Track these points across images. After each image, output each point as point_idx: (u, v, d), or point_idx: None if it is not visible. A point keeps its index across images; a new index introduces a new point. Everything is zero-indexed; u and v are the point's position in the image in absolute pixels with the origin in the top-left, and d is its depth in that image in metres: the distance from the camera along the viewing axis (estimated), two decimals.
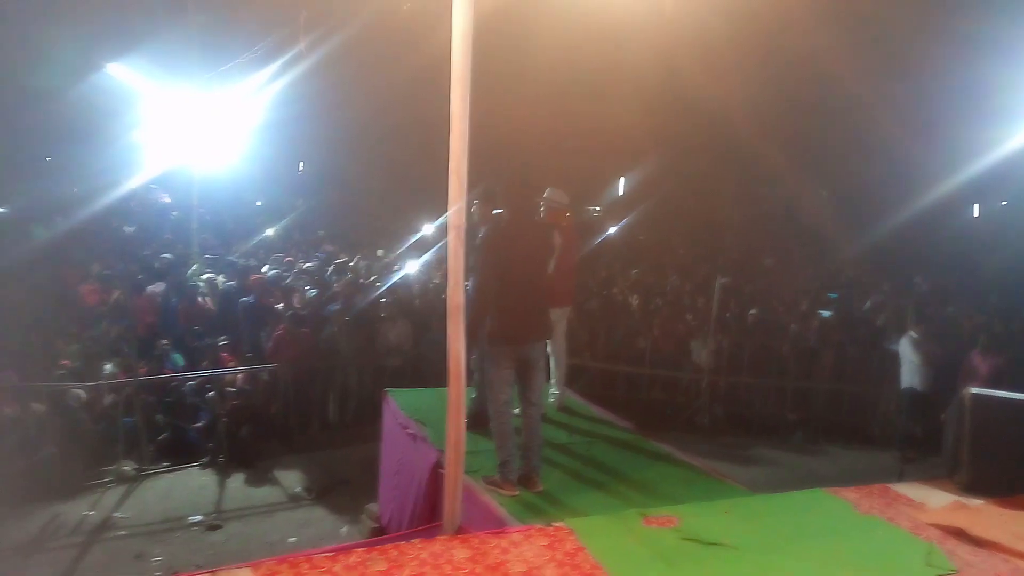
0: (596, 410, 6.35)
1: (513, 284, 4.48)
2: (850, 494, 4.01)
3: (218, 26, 11.95)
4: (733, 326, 10.59)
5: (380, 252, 13.59)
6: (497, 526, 3.89)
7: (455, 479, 3.38)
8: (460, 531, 3.47)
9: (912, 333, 8.29)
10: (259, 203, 19.93)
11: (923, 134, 13.94)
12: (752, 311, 11.01)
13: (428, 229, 14.51)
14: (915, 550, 3.37)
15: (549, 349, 6.23)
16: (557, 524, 3.47)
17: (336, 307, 8.85)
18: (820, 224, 15.68)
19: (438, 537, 3.34)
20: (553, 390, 6.25)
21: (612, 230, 19.01)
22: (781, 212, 18.82)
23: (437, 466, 4.95)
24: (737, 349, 10.24)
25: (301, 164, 25.21)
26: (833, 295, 12.31)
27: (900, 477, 6.42)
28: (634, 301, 11.27)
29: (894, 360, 8.66)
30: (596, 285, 12.01)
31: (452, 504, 3.37)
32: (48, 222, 14.82)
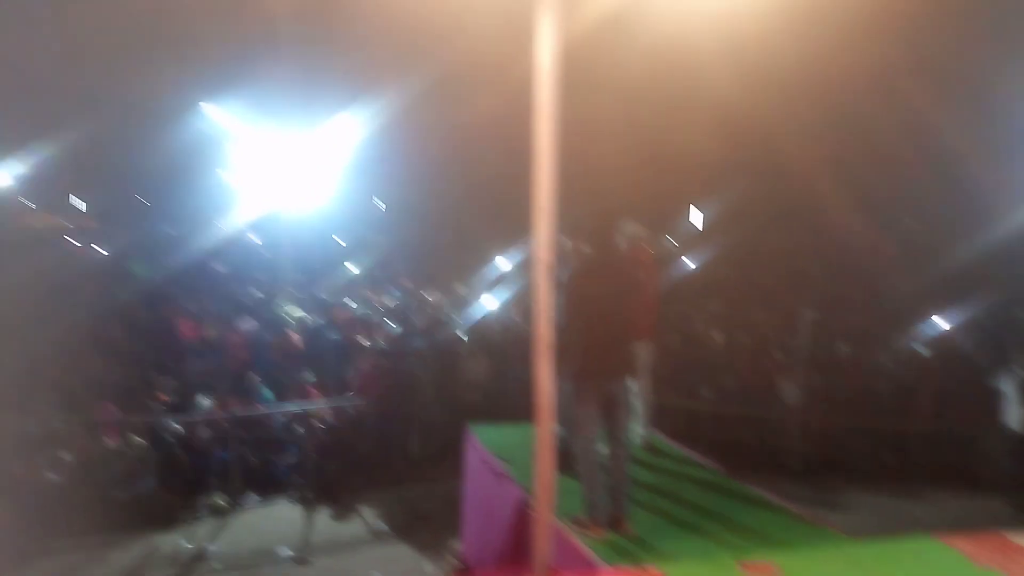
0: (683, 450, 6.19)
1: (598, 320, 4.50)
2: (962, 543, 3.75)
3: (309, 71, 12.49)
4: (823, 363, 10.18)
5: (459, 288, 13.76)
6: (586, 568, 3.82)
7: (545, 519, 3.33)
8: (550, 573, 3.41)
9: (1016, 369, 7.80)
10: (343, 242, 20.54)
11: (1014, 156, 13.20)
12: (843, 347, 10.57)
13: (506, 265, 14.62)
14: None
15: (634, 387, 6.14)
16: (649, 568, 3.38)
17: (418, 342, 8.98)
18: (912, 255, 14.96)
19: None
20: (639, 429, 6.13)
21: (690, 263, 18.68)
22: (871, 242, 18.07)
23: (523, 505, 4.92)
24: (828, 387, 9.83)
25: (382, 203, 25.92)
26: (929, 329, 11.69)
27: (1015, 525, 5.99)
28: (717, 337, 10.99)
29: (998, 398, 8.15)
30: (676, 320, 11.79)
31: (542, 545, 3.32)
32: (147, 261, 15.65)
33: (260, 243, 17.43)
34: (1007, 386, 7.82)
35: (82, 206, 33.57)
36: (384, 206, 25.38)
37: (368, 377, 8.75)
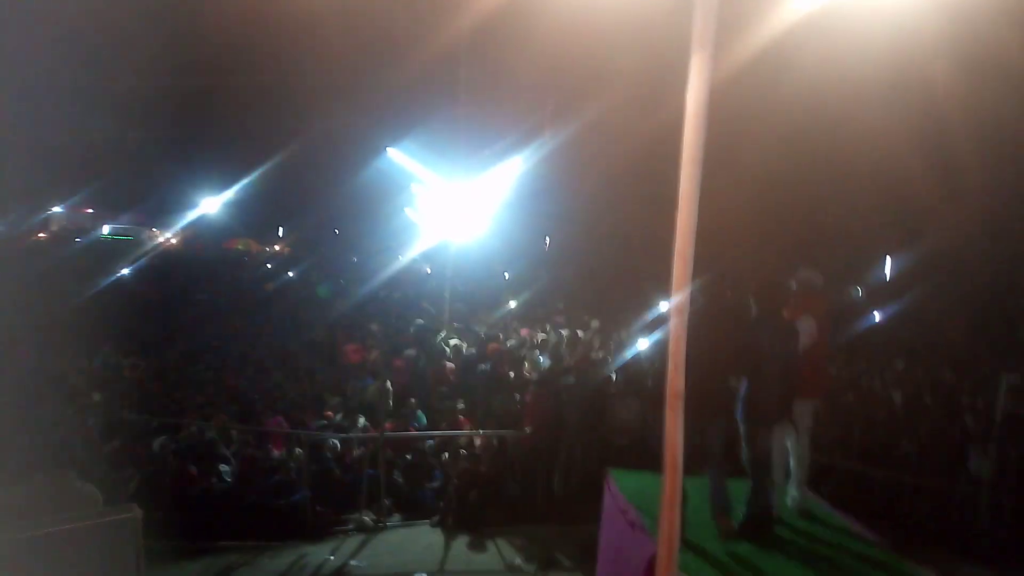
0: (843, 518, 5.62)
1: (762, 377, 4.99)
2: None
3: (481, 116, 13.05)
4: (1020, 432, 8.93)
5: (615, 327, 13.54)
6: None
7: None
8: None
9: None
10: (507, 275, 21.04)
11: None
12: None
13: (664, 307, 14.24)
14: None
15: (790, 444, 5.70)
16: None
17: (568, 380, 8.90)
18: None
19: None
20: (793, 491, 5.66)
21: (877, 315, 17.24)
22: None
23: (654, 559, 4.67)
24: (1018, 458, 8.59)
25: (547, 239, 26.33)
26: None
27: None
28: (897, 397, 9.99)
29: None
30: (854, 376, 10.87)
31: None
32: (331, 286, 16.83)
33: (430, 272, 18.24)
34: None
35: (280, 233, 36.98)
36: (548, 242, 25.79)
37: (532, 409, 8.79)
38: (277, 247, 35.47)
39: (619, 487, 5.90)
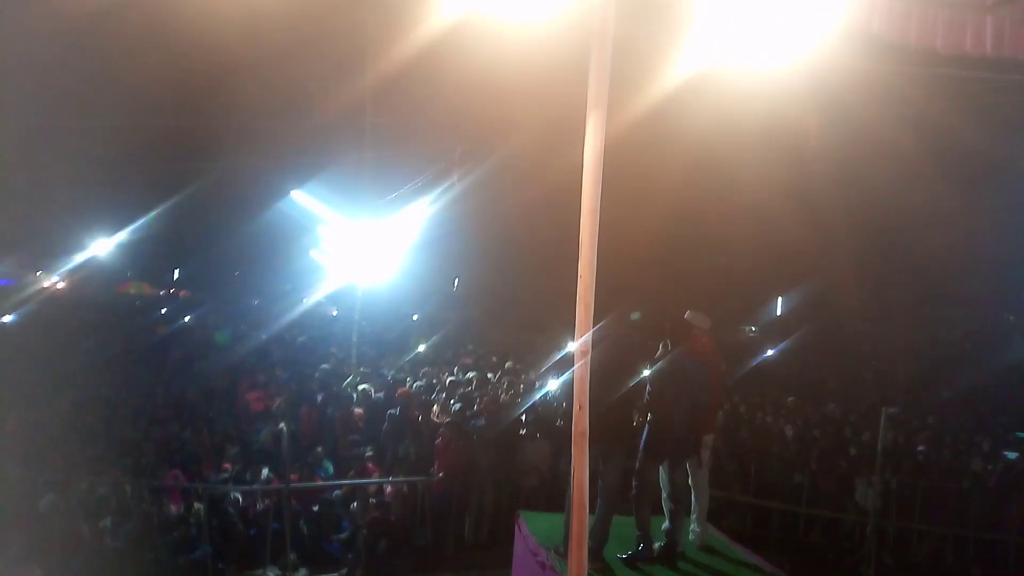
0: (742, 552, 5.88)
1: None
2: None
3: (388, 159, 13.13)
4: (903, 464, 9.60)
5: (508, 364, 13.70)
6: None
7: None
8: None
9: None
10: (416, 317, 20.96)
11: None
12: (922, 448, 9.99)
13: (572, 347, 14.54)
14: None
15: (691, 481, 5.95)
16: None
17: (480, 422, 8.96)
18: (1005, 353, 14.17)
19: None
20: (694, 527, 5.89)
21: (769, 352, 18.13)
22: (959, 339, 17.22)
23: None
24: (908, 490, 9.21)
25: (456, 280, 26.44)
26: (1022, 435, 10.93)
27: None
28: (788, 431, 10.54)
29: None
30: (748, 411, 11.40)
31: None
32: (230, 331, 16.29)
33: (336, 314, 17.97)
34: None
35: (175, 276, 35.53)
36: (456, 283, 25.90)
37: (443, 452, 8.75)
38: (172, 290, 34.07)
39: (529, 529, 5.98)
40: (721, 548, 5.89)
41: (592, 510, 5.55)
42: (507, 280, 19.56)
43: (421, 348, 15.14)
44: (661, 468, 5.61)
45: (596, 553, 5.35)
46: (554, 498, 8.65)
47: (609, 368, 5.37)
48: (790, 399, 12.55)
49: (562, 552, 5.40)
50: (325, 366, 12.46)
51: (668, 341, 5.67)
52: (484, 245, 18.38)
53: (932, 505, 9.09)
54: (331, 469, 9.62)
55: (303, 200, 15.99)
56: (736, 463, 9.79)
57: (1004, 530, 8.72)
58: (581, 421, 3.28)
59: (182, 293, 33.20)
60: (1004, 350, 14.94)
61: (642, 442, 5.53)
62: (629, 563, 5.41)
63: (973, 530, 8.78)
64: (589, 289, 3.25)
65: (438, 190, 12.60)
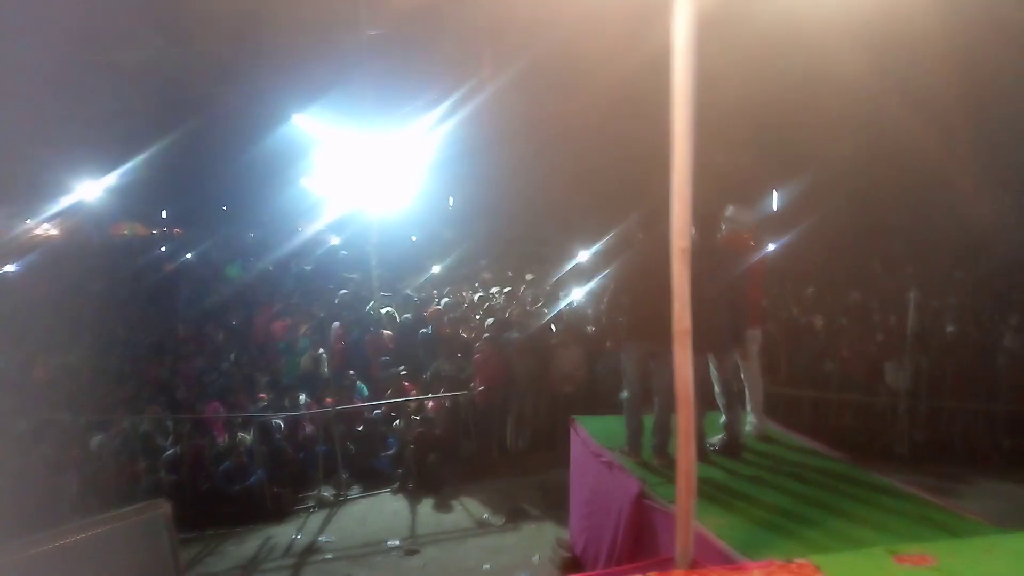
0: (801, 440, 5.98)
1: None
2: None
3: (395, 74, 12.65)
4: (931, 345, 9.71)
5: (529, 276, 13.69)
6: (723, 560, 3.70)
7: (687, 511, 3.23)
8: (694, 565, 3.30)
9: None
10: (414, 238, 20.77)
11: None
12: (950, 328, 10.10)
13: (584, 255, 14.50)
14: None
15: (743, 374, 5.99)
16: (799, 560, 3.23)
17: (514, 335, 8.97)
18: (1013, 230, 14.11)
19: (674, 572, 3.20)
20: (751, 418, 5.97)
21: (771, 246, 18.01)
22: (967, 220, 17.17)
23: (641, 496, 4.84)
24: (937, 370, 9.37)
25: (451, 199, 26.11)
26: None
27: None
28: (818, 322, 10.60)
29: None
30: (771, 305, 11.44)
31: (685, 538, 3.22)
32: (239, 265, 16.11)
33: (339, 243, 17.77)
34: None
35: (164, 215, 34.92)
36: (451, 201, 25.58)
37: (483, 366, 8.81)
38: (166, 229, 33.62)
39: (588, 431, 6.05)
40: (780, 437, 5.98)
41: (651, 409, 5.66)
42: (513, 193, 19.27)
43: (435, 269, 15.06)
44: (710, 363, 5.62)
45: (661, 449, 5.44)
46: (591, 403, 8.79)
47: (656, 263, 5.36)
48: (810, 290, 12.61)
49: (627, 451, 5.50)
50: (344, 291, 12.39)
51: (697, 233, 5.60)
52: (493, 157, 17.97)
53: (962, 383, 9.27)
54: (365, 391, 9.70)
55: (303, 123, 15.47)
56: (767, 356, 9.87)
57: None
58: (683, 319, 3.20)
59: (175, 231, 32.77)
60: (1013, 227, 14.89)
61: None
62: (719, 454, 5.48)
63: (1003, 404, 8.98)
64: (685, 182, 3.11)
65: (442, 103, 12.21)
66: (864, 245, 17.16)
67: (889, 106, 14.02)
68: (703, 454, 5.32)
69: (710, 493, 4.84)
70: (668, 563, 3.45)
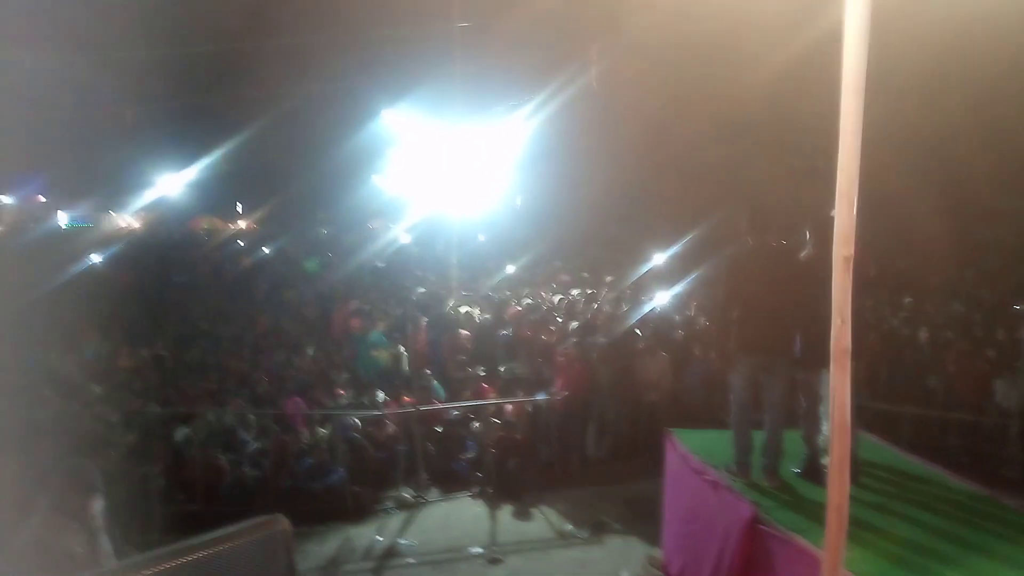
0: (909, 458, 5.58)
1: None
2: None
3: (478, 70, 12.51)
4: None
5: (608, 279, 13.36)
6: None
7: (836, 550, 2.92)
8: None
9: None
10: (482, 237, 20.61)
11: None
12: None
13: (663, 257, 14.10)
14: None
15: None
16: None
17: (597, 339, 8.71)
18: None
19: None
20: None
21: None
22: None
23: (754, 521, 4.52)
24: None
25: (519, 198, 25.84)
26: None
27: None
28: (922, 334, 10.00)
29: None
30: (870, 315, 10.87)
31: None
32: (320, 259, 16.23)
33: (411, 241, 17.77)
34: None
35: (241, 208, 35.74)
36: (519, 200, 25.29)
37: (566, 370, 8.59)
38: (243, 224, 34.41)
39: (688, 447, 5.74)
40: (888, 458, 5.58)
41: (758, 426, 5.31)
42: (600, 193, 18.86)
43: (510, 269, 14.88)
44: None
45: (772, 470, 5.10)
46: (677, 412, 8.45)
47: (772, 270, 5.04)
48: (908, 300, 11.94)
49: (735, 470, 5.16)
50: (422, 289, 12.32)
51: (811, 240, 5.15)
52: (571, 157, 17.65)
53: None
54: (442, 392, 9.57)
55: (386, 119, 15.43)
56: (864, 368, 9.35)
57: None
58: (843, 337, 2.88)
59: (251, 226, 33.49)
60: None
61: (798, 352, 5.17)
62: (805, 477, 5.13)
63: None
64: (852, 183, 2.79)
65: (528, 101, 12.02)
66: (958, 254, 16.24)
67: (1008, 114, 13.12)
68: (815, 474, 4.98)
69: (818, 516, 4.50)
70: None
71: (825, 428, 5.12)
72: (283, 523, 2.59)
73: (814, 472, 5.05)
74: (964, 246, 16.06)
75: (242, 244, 24.38)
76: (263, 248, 21.56)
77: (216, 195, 32.76)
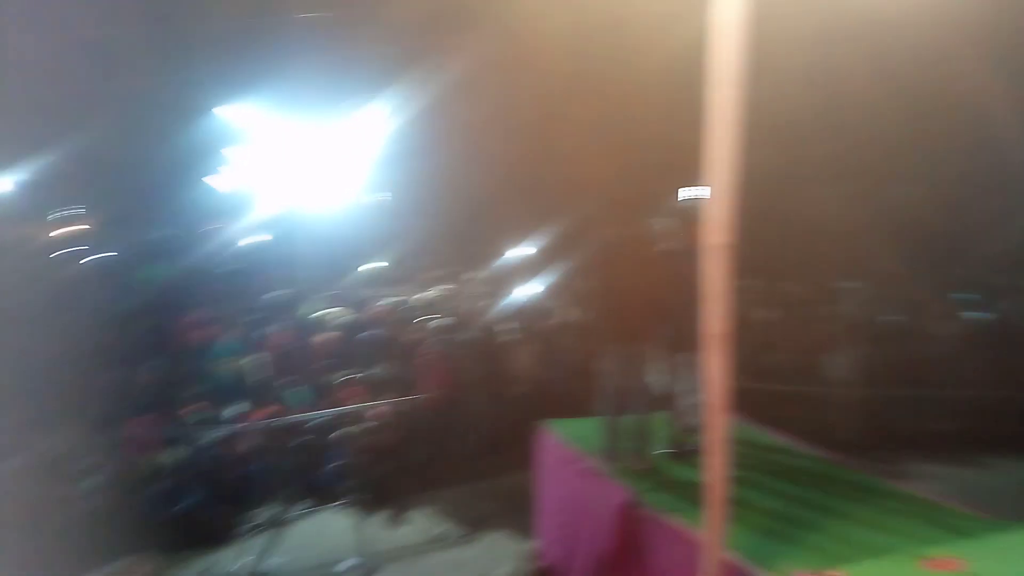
0: (772, 436, 5.94)
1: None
2: None
3: (327, 63, 12.01)
4: (869, 334, 9.96)
5: (473, 273, 13.36)
6: (735, 574, 3.51)
7: (717, 529, 3.02)
8: None
9: None
10: (347, 235, 20.00)
11: None
12: (883, 317, 10.38)
13: (527, 252, 14.27)
14: None
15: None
16: (831, 573, 3.08)
17: (466, 334, 8.65)
18: (941, 221, 14.62)
19: None
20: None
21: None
22: (895, 210, 17.70)
23: (628, 505, 4.63)
24: (871, 359, 9.60)
25: (384, 195, 25.32)
26: (969, 296, 11.47)
27: None
28: (756, 314, 10.72)
29: None
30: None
31: (716, 557, 3.01)
32: (160, 266, 15.08)
33: (267, 242, 16.93)
34: None
35: (81, 211, 32.72)
36: (385, 197, 24.82)
37: (429, 371, 8.43)
38: (69, 228, 31.42)
39: (563, 437, 5.81)
40: (751, 436, 5.91)
41: (628, 412, 5.45)
42: (449, 189, 18.75)
43: (372, 267, 14.53)
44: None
45: (642, 453, 5.27)
46: (547, 403, 8.53)
47: (635, 262, 5.21)
48: (744, 283, 12.70)
49: (607, 457, 5.28)
50: (276, 292, 11.74)
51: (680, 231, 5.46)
52: (431, 156, 17.37)
53: (896, 371, 9.53)
54: (305, 399, 9.16)
55: (235, 115, 14.54)
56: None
57: (964, 387, 9.25)
58: (717, 321, 2.99)
59: (94, 228, 30.61)
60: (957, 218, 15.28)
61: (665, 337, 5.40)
62: (676, 459, 5.34)
63: (950, 389, 9.27)
64: (726, 174, 2.88)
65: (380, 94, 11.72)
66: (793, 236, 17.53)
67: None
68: (686, 455, 5.18)
69: (693, 496, 4.70)
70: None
71: (693, 410, 5.38)
72: (148, 566, 2.32)
73: (684, 453, 5.26)
74: (797, 230, 17.35)
75: (67, 250, 22.27)
76: (98, 252, 19.79)
77: (55, 197, 29.68)
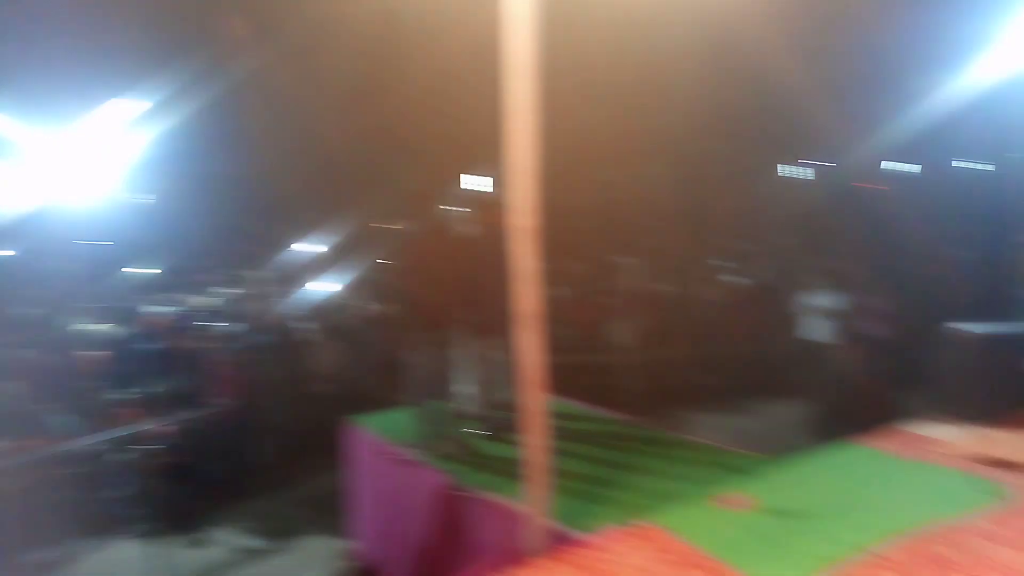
0: (567, 403, 6.29)
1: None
2: (880, 442, 4.16)
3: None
4: (647, 304, 10.88)
5: (257, 274, 12.71)
6: (557, 538, 3.71)
7: (541, 499, 3.18)
8: (552, 555, 3.25)
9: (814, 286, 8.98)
10: (111, 241, 18.13)
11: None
12: (653, 286, 11.39)
13: (316, 248, 13.80)
14: (975, 486, 3.56)
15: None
16: (639, 523, 3.37)
17: (261, 338, 8.22)
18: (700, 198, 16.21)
19: (532, 561, 3.14)
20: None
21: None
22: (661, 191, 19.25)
23: (446, 487, 4.71)
24: (647, 326, 10.51)
25: (150, 195, 23.21)
26: (727, 262, 12.89)
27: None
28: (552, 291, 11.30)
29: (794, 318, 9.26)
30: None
31: (538, 525, 3.17)
32: None
33: (14, 254, 14.86)
34: (806, 305, 8.92)
35: None
36: (151, 199, 22.76)
37: (218, 381, 7.89)
38: None
39: (374, 431, 5.76)
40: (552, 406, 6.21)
41: (440, 398, 5.52)
42: (224, 186, 17.52)
43: (141, 272, 13.28)
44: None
45: (454, 436, 5.37)
46: (354, 399, 8.36)
47: (444, 248, 5.29)
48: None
49: (422, 445, 5.32)
50: (30, 310, 10.38)
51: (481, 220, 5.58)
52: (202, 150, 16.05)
53: (675, 334, 10.54)
54: (73, 424, 8.22)
55: None
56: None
57: (729, 344, 10.46)
58: (528, 301, 3.13)
59: None
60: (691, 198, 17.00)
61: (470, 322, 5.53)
62: (488, 438, 5.48)
63: (714, 346, 10.38)
64: (528, 159, 3.00)
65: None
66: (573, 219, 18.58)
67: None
68: (498, 433, 5.35)
69: (508, 472, 4.88)
70: (514, 555, 3.37)
71: (498, 387, 5.56)
72: None
73: (496, 431, 5.43)
74: (577, 213, 18.41)
75: None
76: None
77: None
